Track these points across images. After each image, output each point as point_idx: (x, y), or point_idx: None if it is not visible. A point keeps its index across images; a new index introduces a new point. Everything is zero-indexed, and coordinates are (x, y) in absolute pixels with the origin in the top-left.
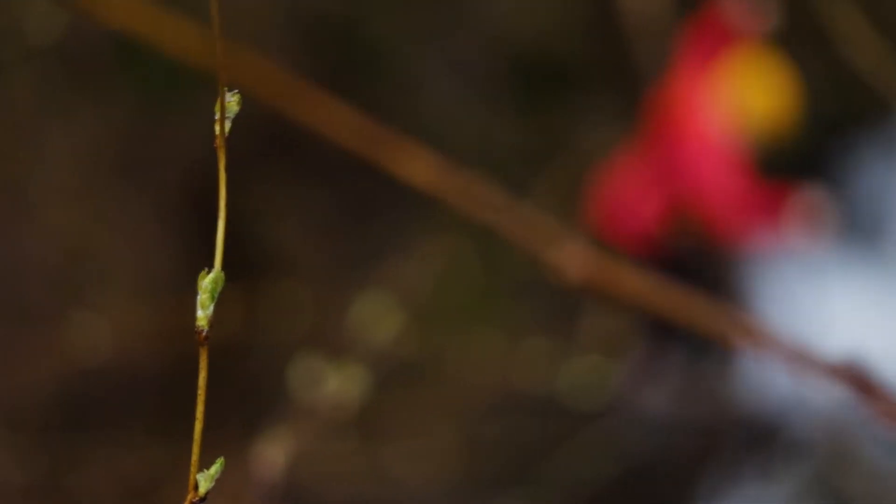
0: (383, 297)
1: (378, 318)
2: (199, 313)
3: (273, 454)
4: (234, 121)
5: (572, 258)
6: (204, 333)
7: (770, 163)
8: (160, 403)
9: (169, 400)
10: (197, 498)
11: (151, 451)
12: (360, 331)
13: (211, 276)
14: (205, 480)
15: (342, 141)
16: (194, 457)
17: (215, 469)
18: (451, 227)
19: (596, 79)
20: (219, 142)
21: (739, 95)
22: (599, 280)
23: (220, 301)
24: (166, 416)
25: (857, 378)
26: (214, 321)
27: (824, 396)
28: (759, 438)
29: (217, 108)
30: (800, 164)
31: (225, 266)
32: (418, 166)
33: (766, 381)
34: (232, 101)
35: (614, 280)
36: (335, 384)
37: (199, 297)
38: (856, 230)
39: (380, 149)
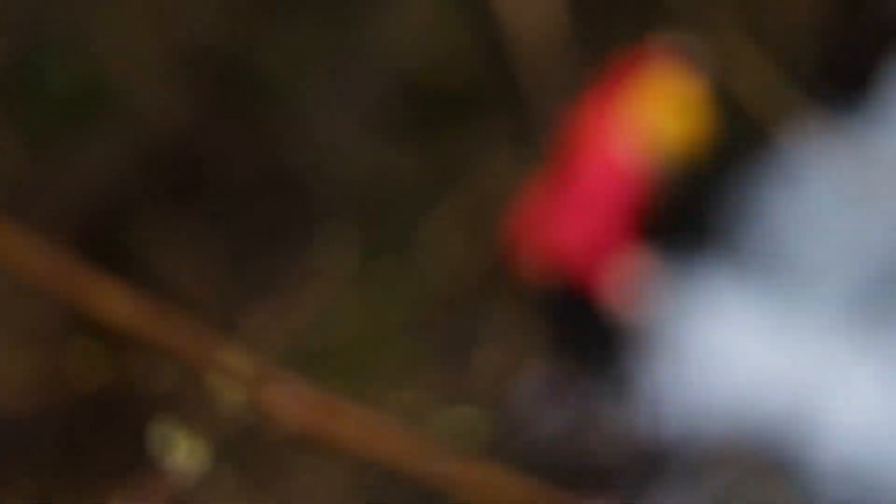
0: (244, 352)
1: (236, 375)
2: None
3: None
4: (125, 164)
5: (285, 400)
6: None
7: (673, 189)
8: (30, 450)
9: (40, 447)
10: None
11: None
12: (218, 389)
13: None
14: None
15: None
16: None
17: None
18: (330, 274)
19: (489, 104)
20: None
21: (650, 121)
22: (315, 425)
23: (103, 350)
24: (31, 464)
25: None
26: (91, 371)
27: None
28: (654, 466)
29: None
30: (698, 190)
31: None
32: (118, 304)
33: (661, 412)
34: None
35: (333, 425)
36: (184, 450)
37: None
38: (751, 253)
39: (75, 284)
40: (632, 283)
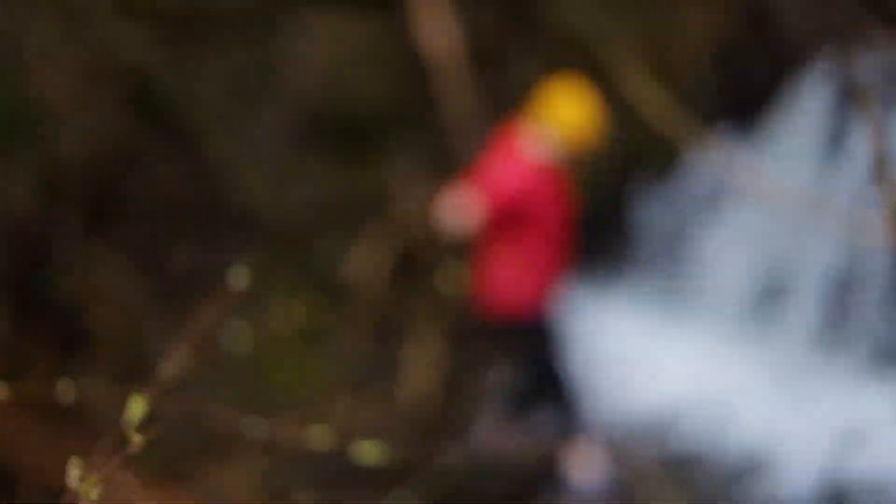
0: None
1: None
2: None
3: None
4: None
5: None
6: None
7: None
8: None
9: None
10: None
11: None
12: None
13: None
14: None
15: None
16: None
17: None
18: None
19: (407, 130)
20: None
21: (555, 132)
22: None
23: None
24: None
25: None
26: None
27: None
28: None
29: None
30: (599, 206)
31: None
32: None
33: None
34: None
35: None
36: None
37: None
38: (649, 266)
39: None
40: (551, 295)
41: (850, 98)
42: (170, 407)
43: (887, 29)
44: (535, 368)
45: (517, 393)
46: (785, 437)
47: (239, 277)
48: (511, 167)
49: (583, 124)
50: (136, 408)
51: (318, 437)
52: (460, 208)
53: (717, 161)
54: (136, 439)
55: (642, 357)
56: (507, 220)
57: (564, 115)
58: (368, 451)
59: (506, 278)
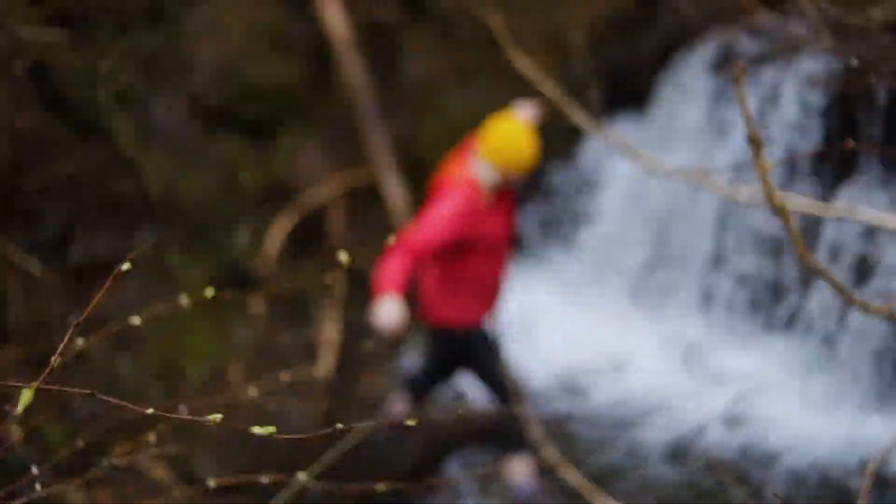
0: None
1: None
2: None
3: None
4: None
5: None
6: None
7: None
8: None
9: None
10: None
11: None
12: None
13: None
14: None
15: None
16: None
17: None
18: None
19: (311, 113)
20: None
21: (496, 152)
22: None
23: None
24: None
25: None
26: None
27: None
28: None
29: None
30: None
31: None
32: None
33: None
34: None
35: None
36: None
37: None
38: (556, 238)
39: None
40: (485, 310)
41: (729, 75)
42: (77, 388)
43: (769, 10)
44: (442, 370)
45: (421, 382)
46: (675, 393)
47: (143, 259)
48: (451, 204)
49: (518, 153)
50: (25, 398)
51: (222, 416)
52: (386, 312)
53: (611, 138)
54: (15, 430)
55: (549, 323)
56: (450, 248)
57: (501, 144)
58: (262, 430)
59: (438, 296)
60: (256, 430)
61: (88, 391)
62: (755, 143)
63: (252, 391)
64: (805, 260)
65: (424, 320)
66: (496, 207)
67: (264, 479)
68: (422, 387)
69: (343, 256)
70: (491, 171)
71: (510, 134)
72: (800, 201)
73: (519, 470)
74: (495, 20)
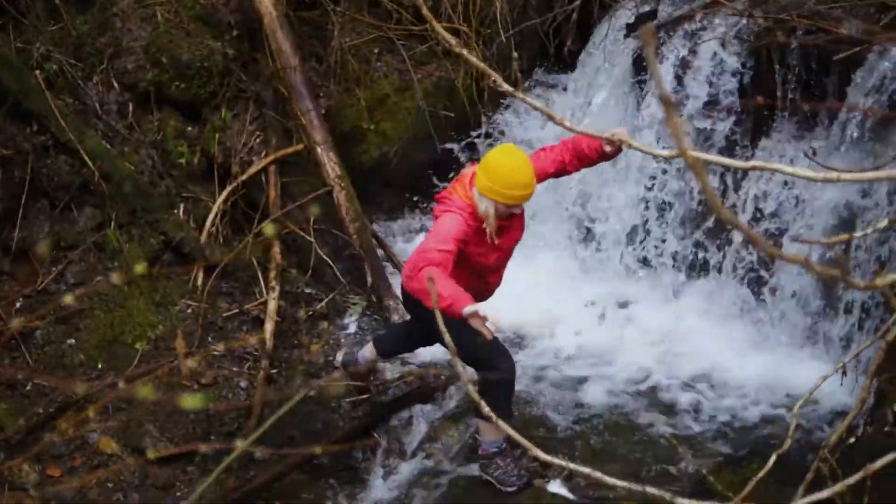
0: None
1: None
2: None
3: None
4: None
5: None
6: None
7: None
8: None
9: None
10: None
11: None
12: None
13: None
14: None
15: None
16: None
17: None
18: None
19: (242, 89)
20: None
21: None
22: None
23: None
24: None
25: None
26: None
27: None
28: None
29: None
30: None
31: None
32: None
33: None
34: None
35: None
36: None
37: None
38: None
39: None
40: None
41: (642, 39)
42: (23, 366)
43: None
44: (412, 337)
45: (390, 342)
46: (606, 348)
47: (83, 238)
48: (458, 219)
49: (512, 188)
50: None
51: (154, 388)
52: (481, 322)
53: (532, 103)
54: None
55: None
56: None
57: (495, 180)
58: (192, 401)
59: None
60: (186, 401)
61: (27, 369)
62: (666, 102)
63: (193, 362)
64: (719, 213)
65: (406, 286)
66: (500, 228)
67: (203, 448)
68: (390, 347)
69: (269, 229)
70: (486, 202)
71: (505, 168)
72: (712, 157)
73: (492, 433)
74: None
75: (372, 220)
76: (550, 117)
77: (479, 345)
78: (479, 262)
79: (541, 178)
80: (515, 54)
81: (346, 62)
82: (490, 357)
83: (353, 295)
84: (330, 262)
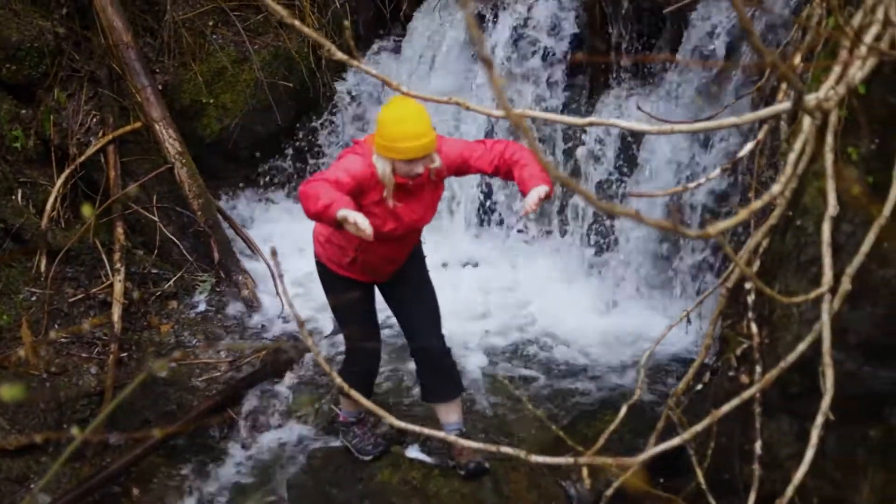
0: None
1: None
2: None
3: None
4: None
5: None
6: None
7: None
8: None
9: None
10: None
11: None
12: None
13: None
14: None
15: None
16: None
17: None
18: None
19: (74, 69)
20: None
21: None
22: None
23: None
24: None
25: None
26: None
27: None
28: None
29: None
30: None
31: None
32: None
33: None
34: None
35: None
36: None
37: None
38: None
39: None
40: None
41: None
42: None
43: None
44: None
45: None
46: (456, 309)
47: None
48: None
49: (403, 143)
50: None
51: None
52: (355, 223)
53: (372, 71)
54: None
55: None
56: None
57: (386, 135)
58: (12, 392)
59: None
60: (6, 392)
61: None
62: (486, 62)
63: (40, 350)
64: (549, 171)
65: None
66: (406, 195)
67: (38, 439)
68: (353, 354)
69: (87, 210)
70: (381, 162)
71: (391, 121)
72: (539, 113)
73: (450, 413)
74: None
75: (216, 195)
76: (387, 83)
77: (349, 321)
78: (373, 224)
79: (471, 169)
80: (347, 22)
81: (181, 36)
82: (355, 334)
83: (201, 272)
84: (175, 240)
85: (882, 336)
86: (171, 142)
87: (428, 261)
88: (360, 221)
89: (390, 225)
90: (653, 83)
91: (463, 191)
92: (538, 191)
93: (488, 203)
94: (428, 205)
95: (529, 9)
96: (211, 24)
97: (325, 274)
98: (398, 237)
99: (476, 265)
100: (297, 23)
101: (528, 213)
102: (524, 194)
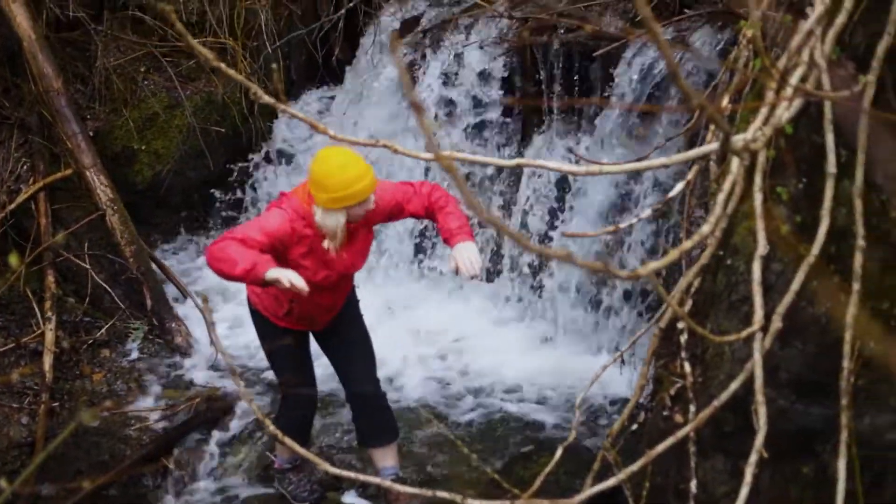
0: None
1: None
2: None
3: None
4: None
5: None
6: None
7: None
8: None
9: None
10: None
11: None
12: None
13: None
14: None
15: None
16: None
17: None
18: None
19: (6, 118)
20: None
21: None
22: None
23: None
24: None
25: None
26: None
27: None
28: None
29: None
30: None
31: None
32: None
33: None
34: None
35: None
36: None
37: None
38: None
39: None
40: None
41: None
42: None
43: None
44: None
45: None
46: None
47: None
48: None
49: (349, 180)
50: None
51: None
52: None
53: (300, 114)
54: None
55: None
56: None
57: (330, 183)
58: None
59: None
60: None
61: None
62: (416, 107)
63: None
64: (479, 213)
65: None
66: (314, 236)
67: None
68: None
69: (13, 259)
70: (333, 216)
71: (334, 171)
72: (469, 156)
73: (386, 458)
74: (165, 8)
75: (149, 242)
76: (314, 127)
77: (283, 368)
78: (304, 276)
79: (405, 213)
80: (275, 65)
81: (112, 82)
82: (290, 381)
83: (134, 320)
84: (108, 287)
85: (813, 373)
86: (102, 189)
87: (361, 304)
88: (293, 279)
89: (322, 274)
90: (584, 126)
91: (395, 232)
92: (471, 254)
93: (420, 244)
94: (360, 250)
95: (460, 53)
96: (143, 69)
97: (260, 322)
98: (332, 285)
99: (408, 307)
100: (223, 66)
101: (470, 277)
102: (447, 242)
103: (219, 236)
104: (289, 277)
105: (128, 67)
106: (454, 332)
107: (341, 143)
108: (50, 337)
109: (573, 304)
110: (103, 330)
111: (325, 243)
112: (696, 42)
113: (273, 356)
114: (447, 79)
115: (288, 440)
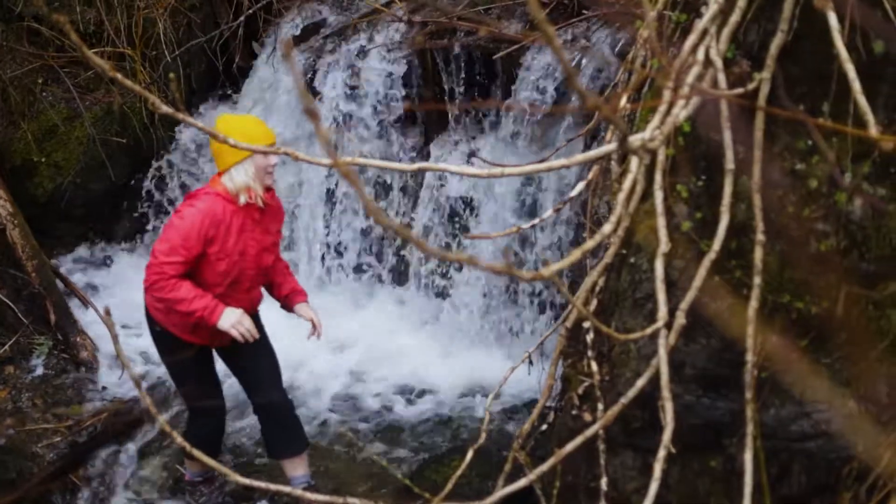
0: None
1: None
2: None
3: None
4: None
5: None
6: None
7: None
8: None
9: None
10: None
11: None
12: None
13: None
14: None
15: None
16: None
17: None
18: None
19: None
20: None
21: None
22: None
23: None
24: None
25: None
26: None
27: None
28: None
29: None
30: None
31: None
32: None
33: None
34: None
35: None
36: None
37: None
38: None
39: None
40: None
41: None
42: None
43: None
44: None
45: None
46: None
47: None
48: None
49: (247, 127)
50: None
51: None
52: (237, 324)
53: (198, 123)
54: None
55: None
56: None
57: (236, 132)
58: None
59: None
60: None
61: None
62: (311, 114)
63: None
64: (379, 220)
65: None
66: (253, 223)
67: None
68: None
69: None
70: (241, 170)
71: (232, 127)
72: (368, 161)
73: (297, 467)
74: (60, 19)
75: (51, 256)
76: (213, 136)
77: (184, 380)
78: (223, 271)
79: (276, 248)
80: (172, 74)
81: (9, 95)
82: (194, 394)
83: (38, 335)
84: (10, 303)
85: (717, 367)
86: (1, 203)
87: (267, 311)
88: (246, 327)
89: (238, 266)
90: (488, 129)
91: (304, 239)
92: (310, 314)
93: (329, 251)
94: (269, 231)
95: (361, 57)
96: (40, 81)
97: (161, 336)
98: (249, 281)
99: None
100: (119, 76)
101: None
102: (284, 302)
103: (149, 255)
104: (242, 327)
105: (25, 79)
106: (363, 338)
107: (243, 150)
108: None
109: (481, 307)
110: (6, 346)
111: (242, 198)
112: (595, 43)
113: (173, 368)
114: (347, 85)
115: (197, 452)
